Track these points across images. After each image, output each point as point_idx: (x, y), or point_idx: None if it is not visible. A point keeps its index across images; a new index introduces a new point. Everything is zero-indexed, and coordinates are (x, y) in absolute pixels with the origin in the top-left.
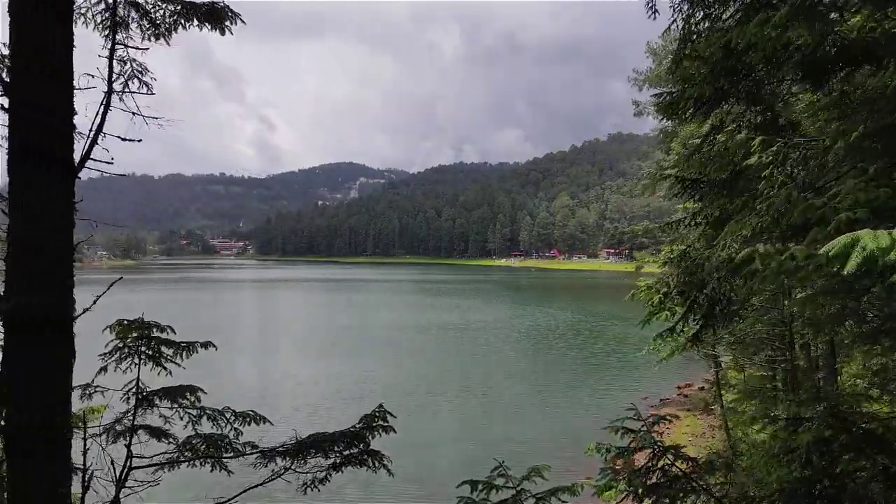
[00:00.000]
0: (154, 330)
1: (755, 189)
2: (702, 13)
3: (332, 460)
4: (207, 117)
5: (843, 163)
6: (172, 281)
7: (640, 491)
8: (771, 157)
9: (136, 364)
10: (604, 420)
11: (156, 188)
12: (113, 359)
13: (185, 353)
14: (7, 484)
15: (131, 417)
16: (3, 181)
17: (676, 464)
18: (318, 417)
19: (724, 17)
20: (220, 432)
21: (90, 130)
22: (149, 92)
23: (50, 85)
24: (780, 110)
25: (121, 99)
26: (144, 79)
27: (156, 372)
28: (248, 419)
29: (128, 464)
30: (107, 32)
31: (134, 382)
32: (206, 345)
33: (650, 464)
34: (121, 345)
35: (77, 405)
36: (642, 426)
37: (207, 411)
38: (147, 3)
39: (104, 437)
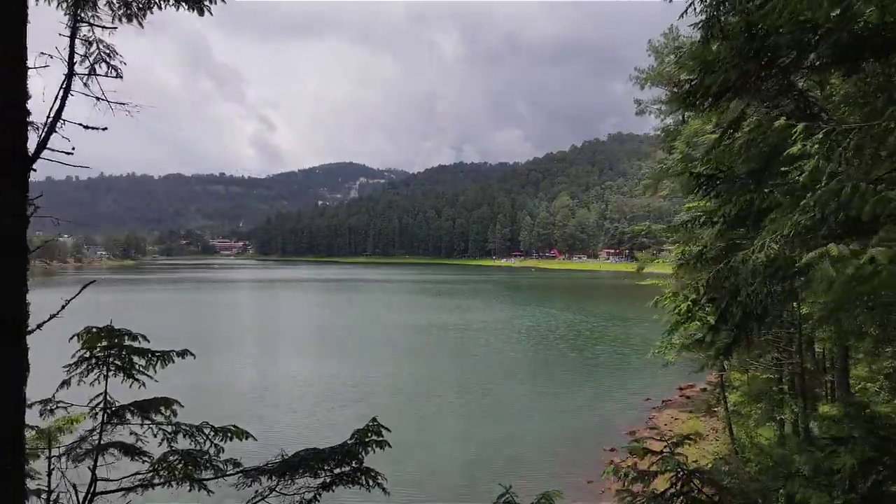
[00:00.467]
0: (125, 338)
1: (791, 182)
2: None
3: (321, 479)
4: (207, 117)
5: None
6: (171, 281)
7: None
8: (817, 146)
9: (104, 376)
10: (605, 421)
11: (156, 188)
12: (78, 371)
13: (159, 362)
14: None
15: (97, 435)
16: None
17: (703, 489)
18: (316, 419)
19: None
20: (199, 448)
21: (47, 117)
22: (117, 76)
23: None
24: (816, 97)
25: (86, 84)
26: (113, 62)
27: (139, 384)
28: (228, 435)
29: (92, 488)
30: (67, 7)
31: (102, 396)
32: (182, 353)
33: (674, 489)
34: (87, 355)
35: (39, 422)
36: (665, 447)
37: (183, 427)
38: None
39: (65, 458)
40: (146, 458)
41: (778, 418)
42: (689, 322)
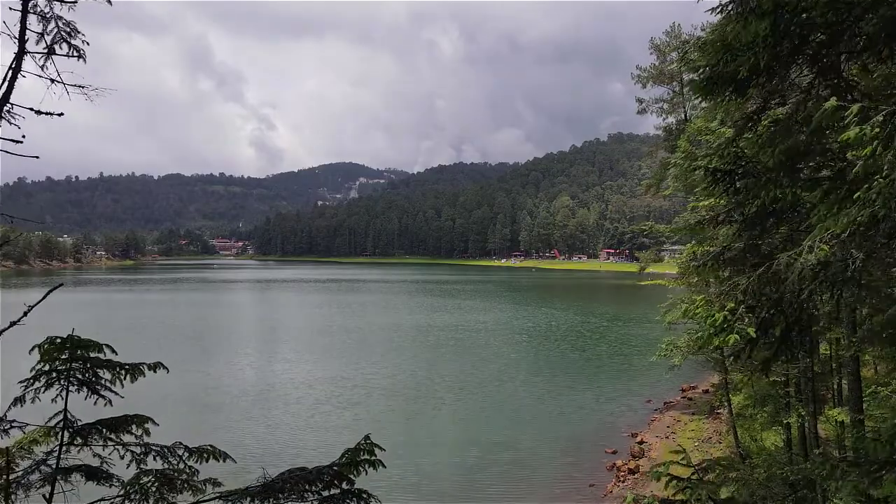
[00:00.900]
0: (89, 350)
1: (836, 172)
2: None
3: (308, 503)
4: (207, 117)
5: None
6: (170, 281)
7: None
8: (877, 129)
9: (65, 392)
10: (606, 423)
11: (155, 188)
12: (35, 386)
13: (128, 376)
14: None
15: (55, 458)
16: (3, 181)
17: None
18: (314, 421)
19: None
20: (176, 466)
21: None
22: (80, 57)
23: None
24: (858, 81)
25: (42, 66)
26: (74, 42)
27: (105, 401)
28: (205, 456)
29: None
30: None
31: (62, 414)
32: (154, 366)
33: None
34: (46, 368)
35: None
36: (693, 473)
37: (154, 448)
38: None
39: (15, 485)
40: (114, 483)
41: (784, 422)
42: (725, 335)
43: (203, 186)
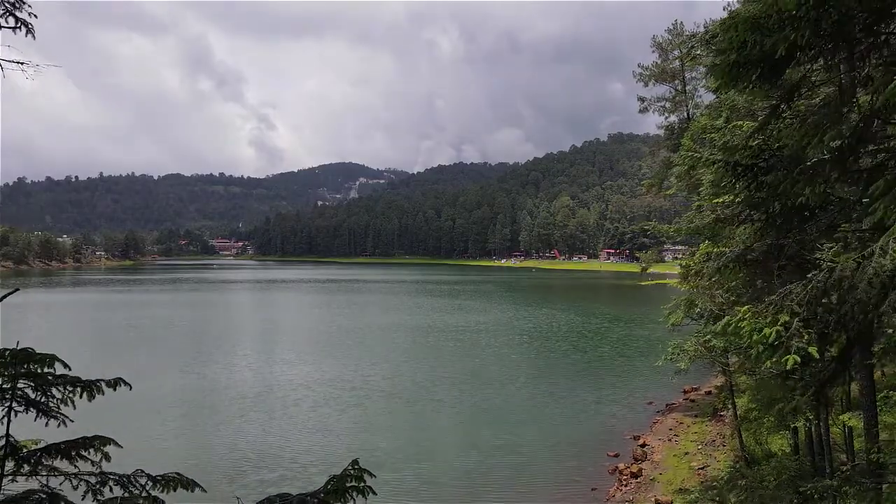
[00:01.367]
0: (40, 364)
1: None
2: None
3: None
4: (207, 117)
5: None
6: (169, 282)
7: None
8: None
9: (10, 413)
10: (607, 426)
11: (155, 188)
12: None
13: (84, 394)
14: None
15: None
16: (3, 181)
17: None
18: (312, 424)
19: None
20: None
21: None
22: (28, 32)
23: None
24: None
25: None
26: (21, 15)
27: (57, 422)
28: (171, 485)
29: None
30: None
31: (3, 440)
32: (114, 383)
33: None
34: None
35: None
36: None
37: (112, 477)
38: None
39: None
40: None
41: (791, 426)
42: (781, 355)
43: (203, 186)
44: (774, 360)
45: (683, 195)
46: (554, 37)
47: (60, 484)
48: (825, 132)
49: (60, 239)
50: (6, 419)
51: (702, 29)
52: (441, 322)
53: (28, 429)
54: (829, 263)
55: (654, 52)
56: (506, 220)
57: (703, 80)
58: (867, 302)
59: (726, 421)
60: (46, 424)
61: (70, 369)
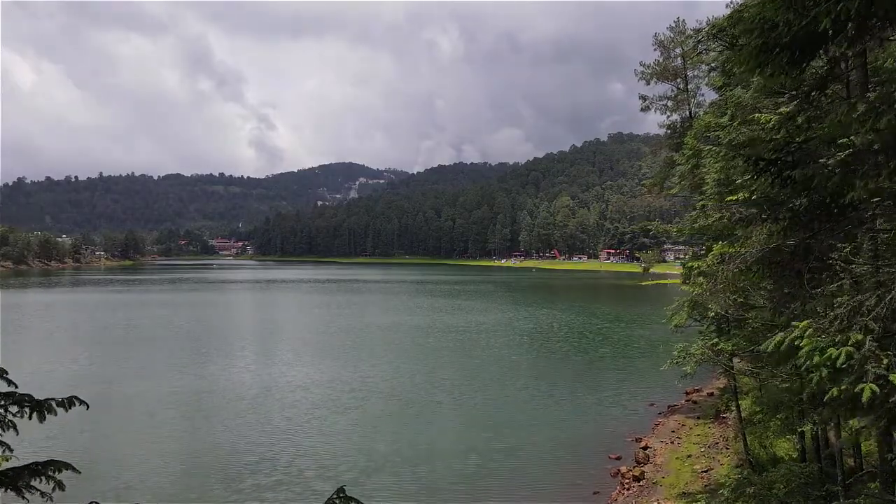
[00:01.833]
0: None
1: None
2: None
3: None
4: (207, 117)
5: None
6: (169, 282)
7: None
8: None
9: None
10: (609, 428)
11: (155, 188)
12: None
13: (34, 414)
14: None
15: None
16: (2, 181)
17: None
18: (310, 427)
19: None
20: None
21: None
22: None
23: None
24: None
25: None
26: None
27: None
28: None
29: None
30: None
31: None
32: (67, 402)
33: None
34: None
35: None
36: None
37: None
38: None
39: None
40: None
41: (798, 430)
42: (854, 383)
43: (203, 186)
44: (843, 387)
45: (685, 195)
46: (554, 37)
47: None
48: (880, 116)
49: (60, 239)
50: None
51: (706, 26)
52: (441, 322)
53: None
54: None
55: (655, 49)
56: (506, 220)
57: (706, 79)
58: None
59: (729, 423)
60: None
61: (17, 387)
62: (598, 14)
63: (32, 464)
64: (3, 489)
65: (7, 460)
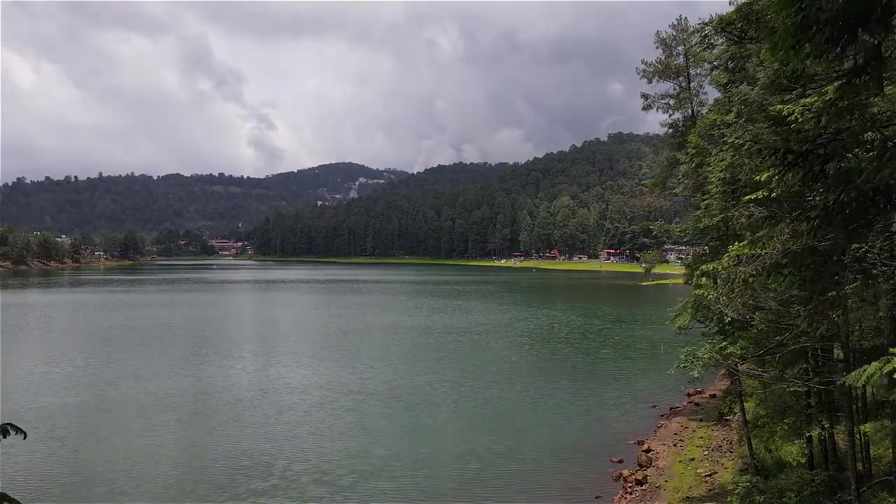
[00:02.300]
0: None
1: None
2: None
3: None
4: (207, 117)
5: None
6: (168, 282)
7: None
8: None
9: None
10: (611, 430)
11: (155, 188)
12: None
13: None
14: None
15: None
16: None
17: None
18: (307, 429)
19: None
20: None
21: None
22: None
23: None
24: None
25: None
26: None
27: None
28: None
29: None
30: None
31: None
32: (1, 430)
33: None
34: None
35: None
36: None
37: None
38: None
39: None
40: None
41: (806, 435)
42: None
43: (202, 186)
44: None
45: (687, 195)
46: (554, 37)
47: None
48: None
49: (59, 239)
50: None
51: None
52: (440, 323)
53: None
54: None
55: (657, 48)
56: (506, 221)
57: (709, 77)
58: None
59: (733, 426)
60: None
61: None
62: (598, 14)
63: None
64: None
65: None
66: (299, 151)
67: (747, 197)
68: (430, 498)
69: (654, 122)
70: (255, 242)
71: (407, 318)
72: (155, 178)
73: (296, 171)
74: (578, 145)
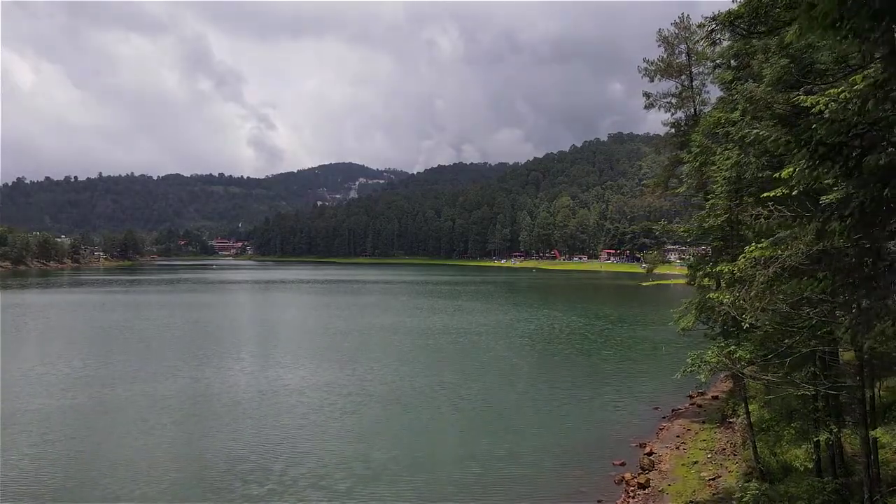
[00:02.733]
0: None
1: None
2: None
3: None
4: (207, 117)
5: None
6: (167, 282)
7: None
8: None
9: None
10: (612, 433)
11: (155, 188)
12: None
13: None
14: None
15: None
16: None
17: None
18: (305, 431)
19: None
20: None
21: None
22: None
23: None
24: None
25: None
26: None
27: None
28: None
29: None
30: None
31: None
32: None
33: None
34: None
35: None
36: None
37: None
38: None
39: None
40: None
41: (814, 439)
42: None
43: (202, 186)
44: None
45: (690, 194)
46: (553, 37)
47: None
48: None
49: (59, 239)
50: None
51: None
52: (440, 324)
53: None
54: None
55: (659, 46)
56: (506, 221)
57: (711, 75)
58: None
59: (736, 429)
60: None
61: None
62: (598, 14)
63: None
64: None
65: None
66: (299, 151)
67: (765, 194)
68: (429, 501)
69: (655, 122)
70: (255, 243)
71: (406, 319)
72: (155, 178)
73: (296, 171)
74: (578, 145)
